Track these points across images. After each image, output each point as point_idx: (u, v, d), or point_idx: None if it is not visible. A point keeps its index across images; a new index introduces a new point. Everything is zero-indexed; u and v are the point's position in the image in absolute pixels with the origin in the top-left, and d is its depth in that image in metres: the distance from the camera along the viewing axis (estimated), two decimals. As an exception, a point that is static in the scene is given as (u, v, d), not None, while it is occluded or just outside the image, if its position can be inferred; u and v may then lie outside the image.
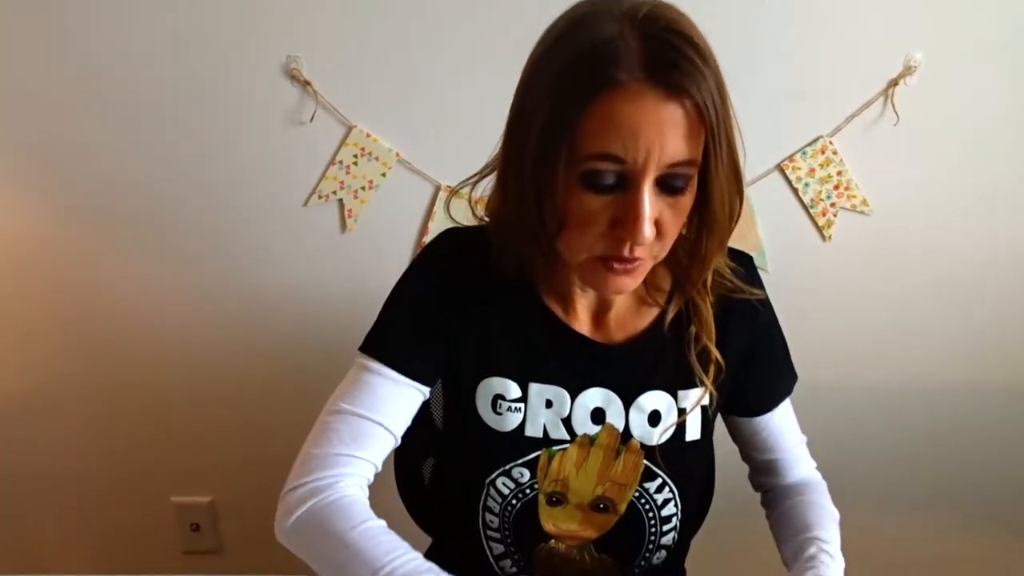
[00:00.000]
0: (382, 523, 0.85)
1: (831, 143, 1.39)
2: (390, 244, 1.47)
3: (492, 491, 0.95)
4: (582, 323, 0.94)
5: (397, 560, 0.79)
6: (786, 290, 1.46)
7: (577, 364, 0.93)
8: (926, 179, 1.41)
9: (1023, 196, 1.42)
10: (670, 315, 0.94)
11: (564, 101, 0.74)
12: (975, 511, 1.66)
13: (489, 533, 0.99)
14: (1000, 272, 1.47)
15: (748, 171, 1.39)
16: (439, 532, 1.14)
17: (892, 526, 1.67)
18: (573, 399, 0.93)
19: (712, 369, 0.93)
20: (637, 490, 0.95)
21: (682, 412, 0.94)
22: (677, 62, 0.72)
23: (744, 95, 1.35)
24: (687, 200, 0.78)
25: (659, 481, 0.95)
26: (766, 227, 1.45)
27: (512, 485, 0.94)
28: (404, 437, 0.93)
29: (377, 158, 1.43)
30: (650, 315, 0.95)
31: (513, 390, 0.92)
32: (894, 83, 1.35)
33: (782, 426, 1.04)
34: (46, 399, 1.64)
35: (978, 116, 1.37)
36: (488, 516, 0.97)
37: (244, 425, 1.65)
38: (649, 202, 0.75)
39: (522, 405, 0.92)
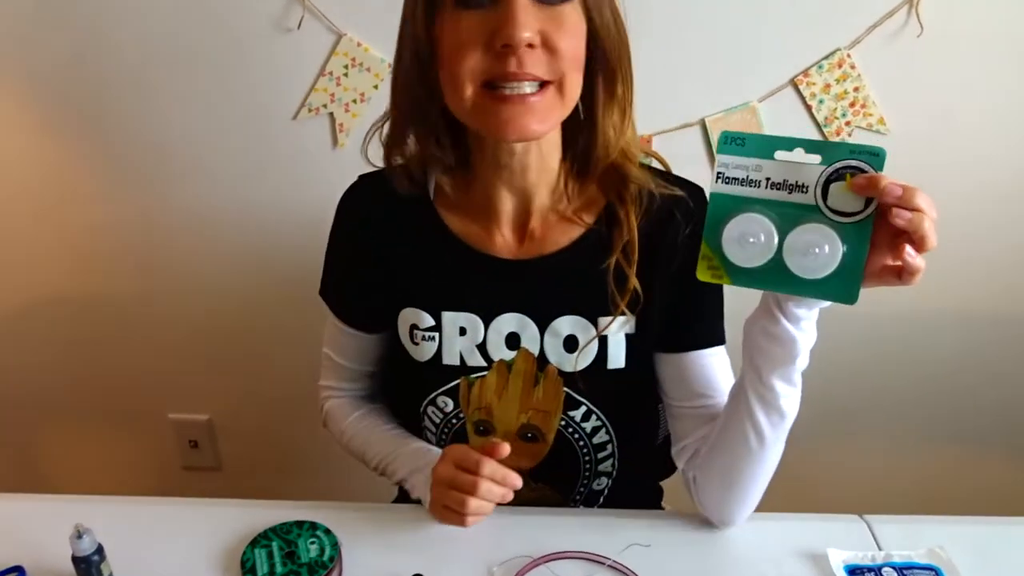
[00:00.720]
0: (357, 415, 1.05)
1: (849, 56, 1.30)
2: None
3: (426, 420, 0.99)
4: (502, 239, 0.91)
5: (361, 436, 1.03)
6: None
7: (489, 289, 0.92)
8: (949, 99, 1.32)
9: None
10: (593, 234, 0.89)
11: None
12: (973, 439, 1.63)
13: None
14: (1018, 205, 1.39)
15: (760, 85, 1.33)
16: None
17: (891, 454, 1.65)
18: (487, 325, 0.92)
19: (628, 295, 0.88)
20: (563, 418, 0.94)
21: (593, 336, 0.90)
22: None
23: (758, 4, 1.30)
24: (572, 15, 0.77)
25: (583, 409, 0.94)
26: (776, 147, 1.37)
27: (440, 415, 0.97)
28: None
29: (369, 69, 1.36)
30: (574, 232, 0.90)
31: (426, 319, 0.93)
32: (920, -9, 1.25)
33: (713, 371, 0.92)
34: (42, 319, 1.63)
35: (1011, 30, 1.27)
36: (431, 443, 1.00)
37: (239, 345, 1.63)
38: (522, 5, 0.73)
39: (436, 334, 0.93)
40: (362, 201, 0.98)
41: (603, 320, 0.90)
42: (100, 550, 0.81)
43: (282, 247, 1.52)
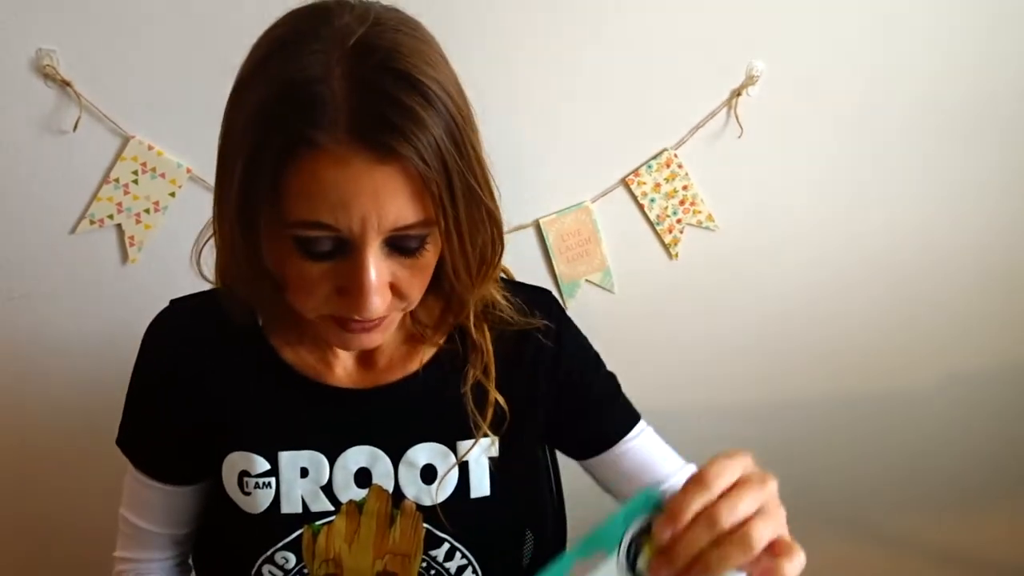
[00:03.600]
0: None
1: (676, 156, 1.30)
2: (185, 276, 1.24)
3: None
4: (342, 369, 0.83)
5: None
6: (634, 310, 1.39)
7: (332, 422, 0.82)
8: (771, 192, 1.36)
9: (867, 207, 1.40)
10: (444, 355, 0.83)
11: (258, 159, 0.61)
12: (839, 519, 1.65)
13: None
14: (846, 283, 1.44)
15: (594, 184, 1.30)
16: None
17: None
18: (332, 462, 0.81)
19: (491, 412, 0.81)
20: (424, 559, 0.83)
21: (453, 466, 0.82)
22: (388, 118, 0.59)
23: (588, 106, 1.28)
24: (428, 256, 0.68)
25: (446, 547, 0.83)
26: (611, 245, 1.34)
27: (279, 573, 0.82)
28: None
29: (163, 175, 1.20)
30: (423, 355, 0.83)
31: (259, 464, 0.80)
32: (737, 93, 1.28)
33: (646, 456, 0.89)
34: None
35: (822, 126, 1.33)
36: None
37: (14, 510, 1.36)
38: (376, 270, 0.64)
39: (272, 479, 0.80)
40: (175, 330, 0.84)
41: (463, 444, 0.82)
42: None
43: (63, 384, 1.29)
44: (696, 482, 0.53)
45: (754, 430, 1.52)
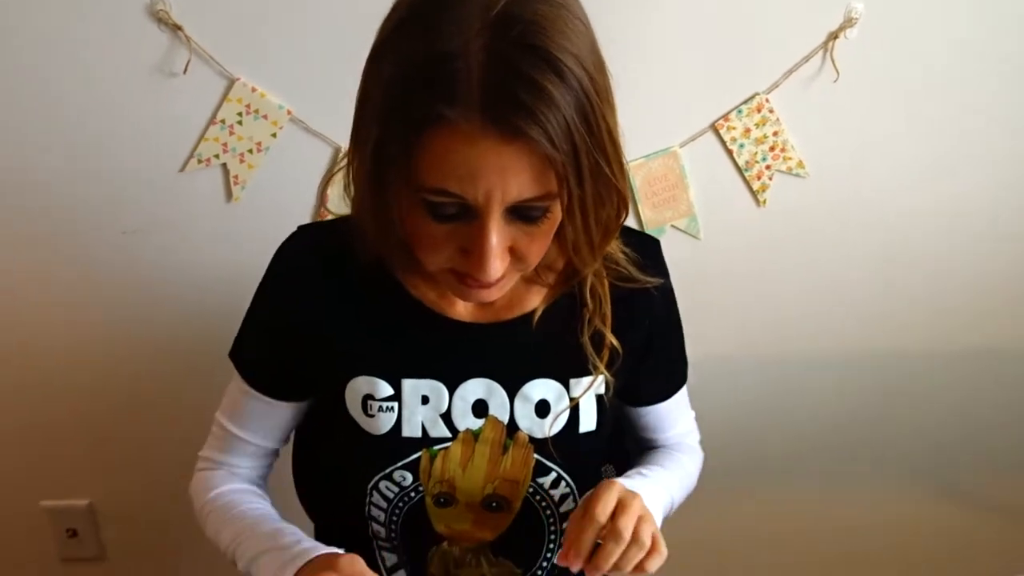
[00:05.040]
0: (229, 488, 0.93)
1: (767, 100, 1.28)
2: (284, 215, 1.29)
3: (375, 496, 0.88)
4: (463, 305, 0.87)
5: (229, 513, 0.89)
6: (719, 257, 1.39)
7: (453, 354, 0.86)
8: (865, 139, 1.33)
9: (968, 159, 1.35)
10: (561, 295, 0.86)
11: (392, 128, 0.65)
12: (916, 477, 1.63)
13: (379, 543, 0.93)
14: (940, 239, 1.40)
15: (682, 130, 1.29)
16: (334, 542, 1.02)
17: (833, 493, 1.63)
18: (451, 392, 0.86)
19: (606, 355, 0.86)
20: (531, 486, 0.89)
21: (572, 400, 0.87)
22: (520, 99, 0.61)
23: (678, 49, 1.27)
24: (547, 226, 0.71)
25: (553, 475, 0.88)
26: (698, 191, 1.34)
27: (396, 489, 0.87)
28: (295, 440, 0.99)
29: (266, 116, 1.25)
30: (540, 295, 0.87)
31: (383, 388, 0.85)
32: (834, 36, 1.24)
33: (665, 416, 1.01)
34: None
35: (923, 71, 1.28)
36: (375, 526, 0.90)
37: (122, 419, 1.46)
38: (497, 236, 0.67)
39: (395, 404, 0.85)
40: (305, 254, 0.88)
41: (576, 381, 0.87)
42: None
43: (171, 312, 1.37)
44: (587, 518, 0.74)
45: (836, 382, 1.51)
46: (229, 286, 1.32)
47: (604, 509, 0.74)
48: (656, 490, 0.89)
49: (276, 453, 0.99)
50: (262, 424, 0.93)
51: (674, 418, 1.01)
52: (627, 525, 0.74)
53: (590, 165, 0.65)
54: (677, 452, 1.01)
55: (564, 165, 0.63)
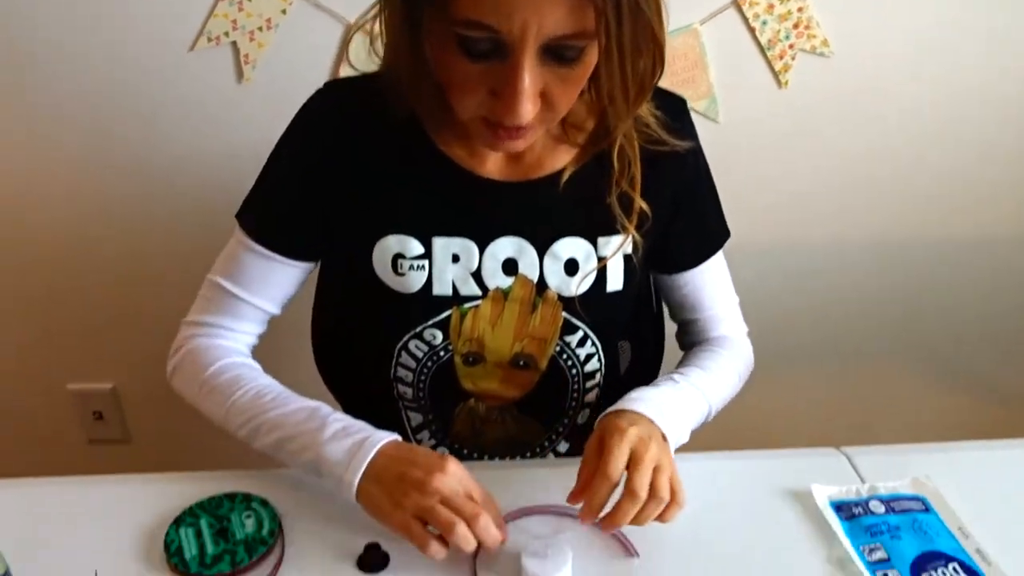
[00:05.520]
0: (237, 361, 0.88)
1: (793, -27, 1.23)
2: (295, 94, 1.28)
3: (404, 355, 0.89)
4: (492, 163, 0.85)
5: (241, 390, 0.83)
6: (739, 140, 1.36)
7: (484, 212, 0.85)
8: (894, 17, 1.28)
9: (997, 37, 1.30)
10: (590, 155, 0.85)
11: None
12: (941, 360, 1.64)
13: (405, 403, 0.94)
14: (967, 122, 1.37)
15: (703, 5, 1.25)
16: (357, 408, 1.04)
17: (851, 378, 1.64)
18: (482, 251, 0.85)
19: (635, 215, 0.85)
20: (558, 344, 0.89)
21: (601, 260, 0.87)
22: None
23: None
24: (581, 70, 0.69)
25: (580, 334, 0.89)
26: (718, 72, 1.30)
27: (425, 348, 0.88)
28: (316, 306, 0.98)
29: (275, -9, 1.22)
30: (569, 155, 0.85)
31: (414, 247, 0.84)
32: (864, -98, 1.19)
33: (706, 285, 0.97)
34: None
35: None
36: (401, 387, 0.92)
37: (144, 302, 1.48)
38: (530, 76, 0.66)
39: (426, 262, 0.85)
40: (333, 111, 0.86)
41: (604, 240, 0.86)
42: (-8, 544, 0.69)
43: (184, 195, 1.37)
44: (601, 477, 0.71)
45: (856, 267, 1.50)
46: (239, 167, 1.32)
47: (617, 465, 0.71)
48: (686, 400, 0.84)
49: (267, 324, 0.94)
50: (265, 285, 0.89)
51: (712, 294, 0.97)
52: (642, 482, 0.70)
53: (630, 5, 0.63)
54: (721, 350, 0.96)
55: (603, 0, 0.62)
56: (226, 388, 0.84)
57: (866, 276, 1.51)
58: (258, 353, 0.94)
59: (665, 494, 0.71)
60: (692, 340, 1.00)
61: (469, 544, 0.69)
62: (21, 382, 1.56)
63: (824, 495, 0.80)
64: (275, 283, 0.89)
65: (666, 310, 1.04)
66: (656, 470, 0.72)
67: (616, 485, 0.71)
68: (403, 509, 0.71)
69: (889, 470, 0.83)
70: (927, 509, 0.79)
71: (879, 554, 0.74)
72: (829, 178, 1.41)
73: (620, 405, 0.79)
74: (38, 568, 0.72)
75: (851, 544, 0.75)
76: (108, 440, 1.63)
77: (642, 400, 0.79)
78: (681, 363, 0.97)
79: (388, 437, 0.76)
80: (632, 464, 0.71)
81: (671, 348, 1.05)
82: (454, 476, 0.72)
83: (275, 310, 0.92)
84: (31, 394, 1.57)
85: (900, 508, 0.78)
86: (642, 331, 1.00)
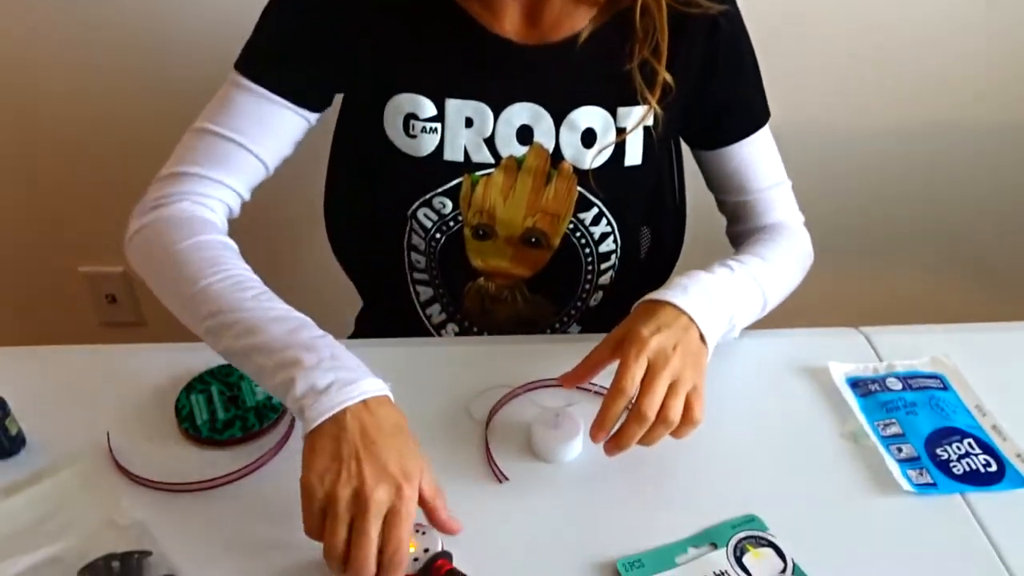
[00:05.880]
0: (221, 240, 0.75)
1: None
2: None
3: (414, 224, 0.87)
4: (510, 22, 0.80)
5: (220, 274, 0.70)
6: (755, 23, 1.29)
7: (500, 75, 0.81)
8: None
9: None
10: (613, 19, 0.80)
11: None
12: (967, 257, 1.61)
13: (416, 276, 0.92)
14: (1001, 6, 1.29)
15: None
16: (367, 281, 1.04)
17: (872, 265, 1.63)
18: (496, 116, 0.82)
19: (658, 88, 0.80)
20: (571, 221, 0.87)
21: (621, 132, 0.83)
22: None
23: None
24: None
25: (595, 211, 0.86)
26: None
27: (434, 217, 0.86)
28: (328, 181, 0.93)
29: None
30: (588, 15, 0.81)
31: (427, 108, 0.81)
32: None
33: (752, 162, 0.91)
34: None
35: None
36: (414, 255, 0.90)
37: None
38: None
39: (438, 125, 0.81)
40: None
41: (625, 111, 0.82)
42: (1, 404, 0.68)
43: (198, 61, 1.32)
44: (615, 392, 0.66)
45: (879, 152, 1.45)
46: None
47: (632, 379, 0.66)
48: (740, 291, 0.78)
49: (253, 191, 0.84)
50: (262, 130, 0.80)
51: (759, 173, 0.91)
52: (651, 404, 0.65)
53: None
54: (779, 238, 0.89)
55: None
56: (201, 267, 0.70)
57: (889, 161, 1.46)
58: (266, 244, 0.90)
59: (674, 416, 0.66)
60: (743, 228, 0.94)
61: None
62: (33, 264, 1.56)
63: (840, 372, 0.79)
64: (273, 130, 0.81)
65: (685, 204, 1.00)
66: (672, 387, 0.66)
67: (631, 399, 0.66)
68: (325, 494, 0.57)
69: (908, 350, 0.82)
70: (945, 387, 0.78)
71: (893, 429, 0.73)
72: (854, 60, 1.35)
73: (663, 292, 0.73)
74: (50, 431, 0.72)
75: (865, 419, 0.74)
76: (122, 323, 1.64)
77: (689, 289, 0.73)
78: (739, 250, 0.88)
79: (377, 391, 0.62)
80: (646, 380, 0.66)
81: (690, 242, 1.03)
82: (406, 507, 0.57)
83: (269, 165, 0.82)
84: (43, 275, 1.57)
85: (917, 385, 0.77)
86: (663, 220, 0.97)
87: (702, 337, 0.71)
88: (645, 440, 0.67)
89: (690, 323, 0.70)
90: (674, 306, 0.71)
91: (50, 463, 0.70)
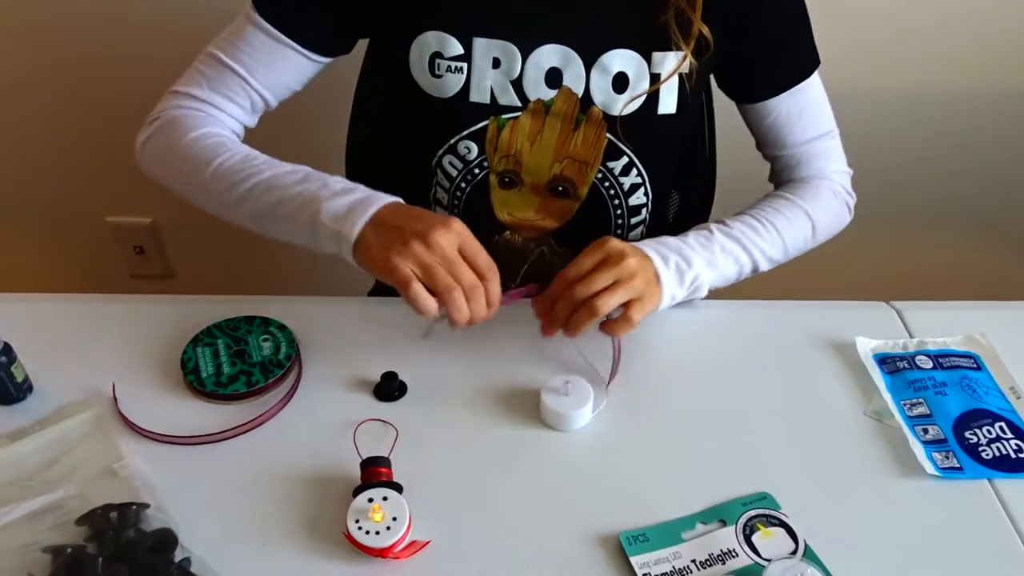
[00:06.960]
0: (225, 132, 0.81)
1: None
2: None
3: (440, 176, 0.85)
4: None
5: (226, 153, 0.76)
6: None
7: (529, 14, 0.78)
8: None
9: None
10: None
11: None
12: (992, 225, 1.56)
13: None
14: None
15: None
16: None
17: (906, 237, 1.58)
18: (524, 57, 0.79)
19: (693, 39, 0.76)
20: (600, 170, 0.84)
21: (655, 79, 0.79)
22: None
23: None
24: None
25: (624, 160, 0.83)
26: None
27: (459, 164, 0.84)
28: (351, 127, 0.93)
29: None
30: None
31: (453, 46, 0.78)
32: None
33: (791, 118, 0.86)
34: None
35: None
36: (439, 211, 0.87)
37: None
38: None
39: (464, 65, 0.78)
40: None
41: (660, 56, 0.78)
42: (7, 350, 0.68)
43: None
44: (558, 277, 0.72)
45: (932, 119, 1.39)
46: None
47: (580, 266, 0.71)
48: (713, 251, 0.78)
49: (258, 119, 0.87)
50: (268, 71, 0.81)
51: (797, 128, 0.87)
52: (583, 291, 0.69)
53: None
54: (792, 196, 0.86)
55: None
56: (210, 151, 0.77)
57: (930, 127, 1.40)
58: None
59: (602, 305, 0.69)
60: (779, 181, 0.91)
61: (462, 315, 0.66)
62: (63, 213, 1.56)
63: (868, 347, 0.75)
64: (281, 71, 0.82)
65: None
66: (616, 284, 0.70)
67: (572, 285, 0.70)
68: (404, 259, 0.65)
69: (941, 327, 0.78)
70: (978, 367, 0.74)
71: (920, 409, 0.70)
72: (911, 25, 1.28)
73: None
74: (56, 379, 0.72)
75: (891, 398, 0.71)
76: (151, 275, 1.65)
77: (656, 242, 0.76)
78: (741, 211, 0.87)
79: (392, 198, 0.71)
80: (595, 270, 0.70)
81: (719, 211, 0.99)
82: (457, 234, 0.67)
83: (272, 101, 0.84)
84: (71, 225, 1.58)
85: (949, 364, 0.74)
86: (693, 183, 0.93)
87: (656, 276, 0.73)
88: (569, 324, 0.70)
89: (649, 261, 0.73)
90: (640, 247, 0.75)
91: (55, 411, 0.70)
